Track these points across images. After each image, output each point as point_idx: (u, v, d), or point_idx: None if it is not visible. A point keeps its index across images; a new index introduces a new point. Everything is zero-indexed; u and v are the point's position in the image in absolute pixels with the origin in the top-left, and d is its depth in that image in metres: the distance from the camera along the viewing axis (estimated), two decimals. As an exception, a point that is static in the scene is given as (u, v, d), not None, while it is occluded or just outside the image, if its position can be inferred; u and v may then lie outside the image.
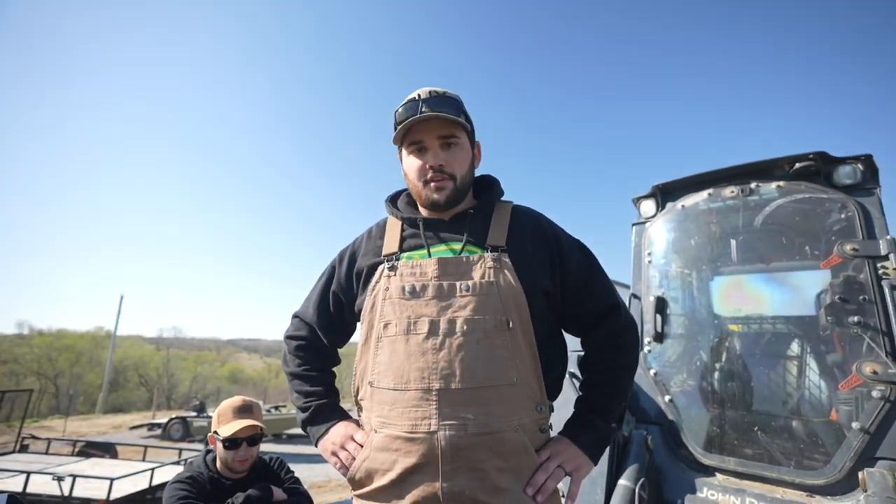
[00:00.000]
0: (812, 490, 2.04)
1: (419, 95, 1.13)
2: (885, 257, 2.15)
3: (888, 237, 2.18)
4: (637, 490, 2.11)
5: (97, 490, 5.55)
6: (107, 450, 8.51)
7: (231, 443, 1.93)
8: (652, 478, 2.31)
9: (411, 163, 1.16)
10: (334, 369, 1.35)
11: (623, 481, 2.16)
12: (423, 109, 1.09)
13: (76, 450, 8.40)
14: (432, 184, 1.12)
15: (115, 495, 5.53)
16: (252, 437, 1.97)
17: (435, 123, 1.12)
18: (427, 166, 1.12)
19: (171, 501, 1.81)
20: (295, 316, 1.34)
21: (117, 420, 21.65)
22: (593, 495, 2.25)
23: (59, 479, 5.47)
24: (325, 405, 1.21)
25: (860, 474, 1.83)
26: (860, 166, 2.36)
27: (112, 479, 5.47)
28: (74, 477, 5.52)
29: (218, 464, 1.99)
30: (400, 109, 1.14)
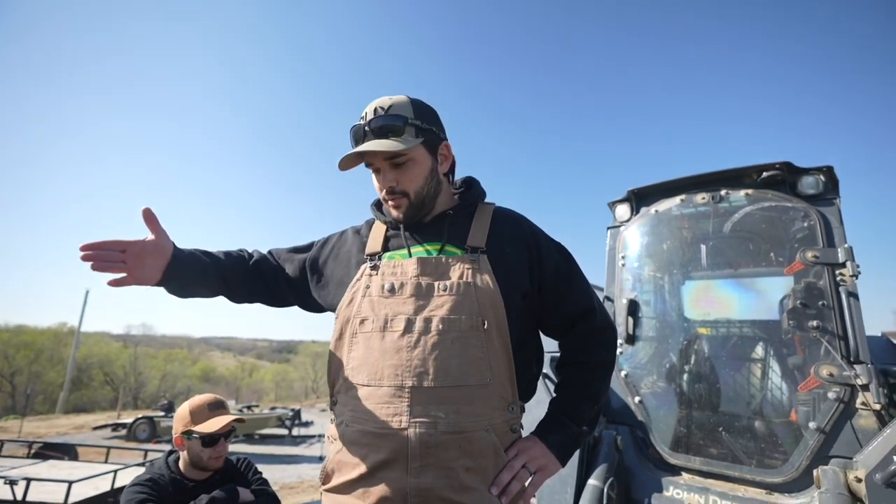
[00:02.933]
0: (771, 488, 2.12)
1: (365, 116, 1.12)
2: (843, 265, 2.25)
3: (846, 246, 2.28)
4: (606, 489, 2.14)
5: (54, 494, 5.30)
6: (66, 451, 8.12)
7: (211, 440, 1.89)
8: (621, 477, 2.35)
9: (374, 183, 1.19)
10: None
11: (592, 481, 2.20)
12: (368, 134, 1.10)
13: (32, 451, 8.00)
14: (390, 202, 1.15)
15: (73, 499, 5.28)
16: (228, 433, 1.97)
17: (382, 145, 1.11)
18: (381, 188, 1.16)
19: (129, 504, 1.74)
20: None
21: (79, 420, 20.78)
22: (563, 494, 2.28)
23: (12, 482, 5.19)
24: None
25: (815, 472, 1.90)
26: (822, 177, 2.47)
27: (70, 482, 5.23)
28: (28, 480, 5.25)
29: (182, 465, 1.93)
30: (351, 132, 1.15)
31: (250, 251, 1.36)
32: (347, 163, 1.14)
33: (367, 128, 1.10)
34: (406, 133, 1.10)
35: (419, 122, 1.12)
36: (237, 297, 1.32)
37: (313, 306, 1.32)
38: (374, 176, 1.18)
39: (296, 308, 1.37)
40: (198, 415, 1.92)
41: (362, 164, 1.17)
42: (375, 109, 1.12)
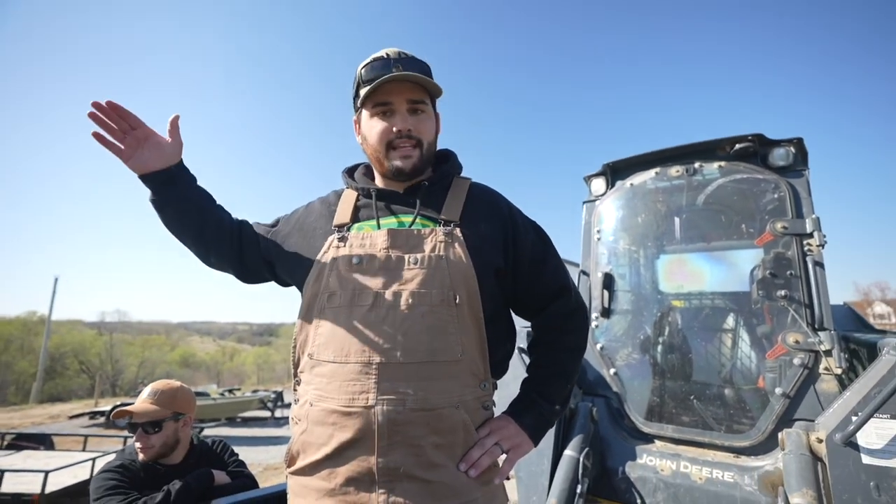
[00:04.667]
0: (739, 451, 2.20)
1: (388, 55, 1.07)
2: (811, 235, 2.30)
3: (813, 216, 2.33)
4: (581, 459, 2.19)
5: (31, 484, 5.20)
6: (41, 441, 7.94)
7: (130, 426, 1.83)
8: (596, 447, 2.41)
9: (374, 126, 1.10)
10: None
11: (568, 451, 2.24)
12: (395, 70, 1.04)
13: (5, 442, 7.80)
14: (398, 150, 1.08)
15: (51, 488, 5.20)
16: (150, 424, 1.82)
17: (406, 86, 1.06)
18: (394, 129, 1.07)
19: (98, 493, 1.69)
20: None
21: (55, 410, 20.33)
22: (540, 465, 2.33)
23: (-16, 474, 5.07)
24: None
25: (780, 435, 1.98)
26: (792, 149, 2.50)
27: (47, 472, 5.13)
28: (2, 472, 5.13)
29: (153, 450, 1.88)
30: (364, 69, 1.07)
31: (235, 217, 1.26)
32: (366, 95, 1.07)
33: (395, 60, 1.04)
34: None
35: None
36: (211, 253, 1.20)
37: (286, 282, 1.26)
38: (376, 120, 1.09)
39: (276, 290, 1.30)
40: (137, 399, 1.89)
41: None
42: (399, 52, 1.08)
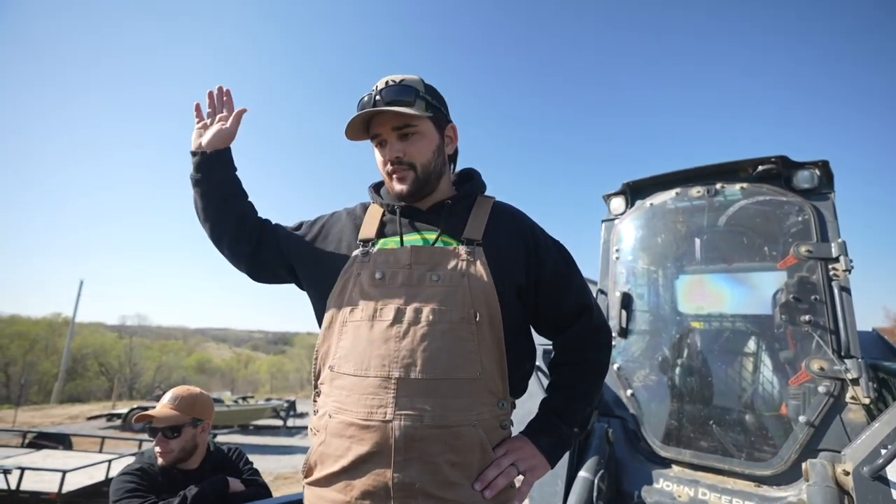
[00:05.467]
0: (760, 480, 2.13)
1: (376, 88, 1.12)
2: (836, 259, 2.25)
3: (839, 240, 2.28)
4: (596, 482, 2.15)
5: (49, 483, 5.31)
6: (60, 441, 8.14)
7: (152, 431, 1.87)
8: (611, 470, 2.36)
9: (377, 157, 1.16)
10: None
11: (583, 473, 2.20)
12: (378, 103, 1.08)
13: (26, 441, 8.00)
14: (394, 175, 1.12)
15: (68, 488, 5.30)
16: (169, 429, 1.86)
17: (389, 115, 1.10)
18: (386, 160, 1.12)
19: (118, 494, 1.73)
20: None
21: (74, 410, 20.79)
22: (554, 486, 2.29)
23: (6, 471, 5.19)
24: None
25: (804, 465, 1.91)
26: (817, 171, 2.46)
27: (65, 472, 5.24)
28: (23, 469, 5.25)
29: (171, 455, 1.92)
30: (359, 103, 1.13)
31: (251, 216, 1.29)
32: (354, 130, 1.13)
33: (377, 97, 1.09)
34: (416, 106, 1.10)
35: (429, 98, 1.13)
36: (223, 243, 1.24)
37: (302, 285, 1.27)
38: (377, 151, 1.16)
39: (291, 299, 1.33)
40: (159, 404, 1.93)
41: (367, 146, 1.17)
42: (387, 82, 1.11)
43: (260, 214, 1.29)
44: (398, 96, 1.09)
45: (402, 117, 1.10)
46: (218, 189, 1.23)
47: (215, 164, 1.22)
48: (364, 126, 1.14)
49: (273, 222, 1.29)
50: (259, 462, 2.18)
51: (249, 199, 1.29)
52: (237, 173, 1.27)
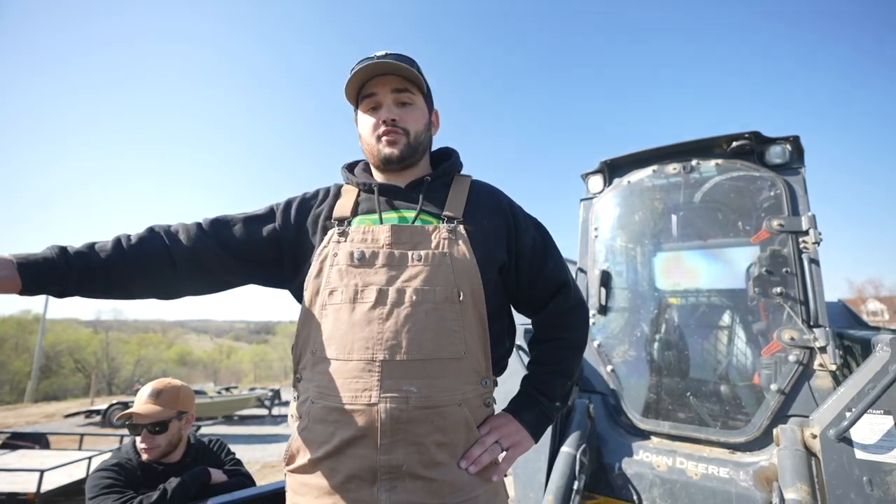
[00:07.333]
0: (734, 447, 2.21)
1: (376, 54, 1.11)
2: (806, 232, 2.31)
3: (809, 214, 2.34)
4: (578, 456, 2.20)
5: (26, 483, 5.18)
6: (37, 440, 7.92)
7: (131, 427, 1.82)
8: (593, 444, 2.42)
9: (366, 121, 1.13)
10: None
11: (565, 448, 2.25)
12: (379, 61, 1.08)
13: (0, 441, 7.77)
14: (384, 138, 1.10)
15: (46, 487, 5.18)
16: (155, 425, 1.81)
17: (390, 78, 1.10)
18: (380, 121, 1.10)
19: (94, 491, 1.68)
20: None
21: (50, 408, 20.25)
22: (537, 462, 2.34)
23: (-22, 473, 5.05)
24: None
25: (775, 431, 1.99)
26: (789, 147, 2.51)
27: (42, 471, 5.11)
28: (-2, 470, 5.12)
29: (149, 449, 1.88)
30: (355, 67, 1.11)
31: (172, 229, 1.09)
32: (354, 84, 1.12)
33: (380, 56, 1.09)
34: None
35: (424, 77, 1.15)
36: (187, 289, 1.10)
37: (274, 280, 1.19)
38: (366, 115, 1.13)
39: (273, 289, 1.19)
40: (137, 400, 1.87)
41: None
42: (386, 52, 1.12)
43: (168, 227, 1.10)
44: (402, 61, 1.09)
45: (404, 82, 1.11)
46: (98, 291, 1.01)
47: (45, 289, 0.94)
48: (356, 90, 1.13)
49: (211, 222, 1.13)
50: (245, 452, 2.16)
51: (142, 243, 1.05)
52: (84, 254, 0.98)
